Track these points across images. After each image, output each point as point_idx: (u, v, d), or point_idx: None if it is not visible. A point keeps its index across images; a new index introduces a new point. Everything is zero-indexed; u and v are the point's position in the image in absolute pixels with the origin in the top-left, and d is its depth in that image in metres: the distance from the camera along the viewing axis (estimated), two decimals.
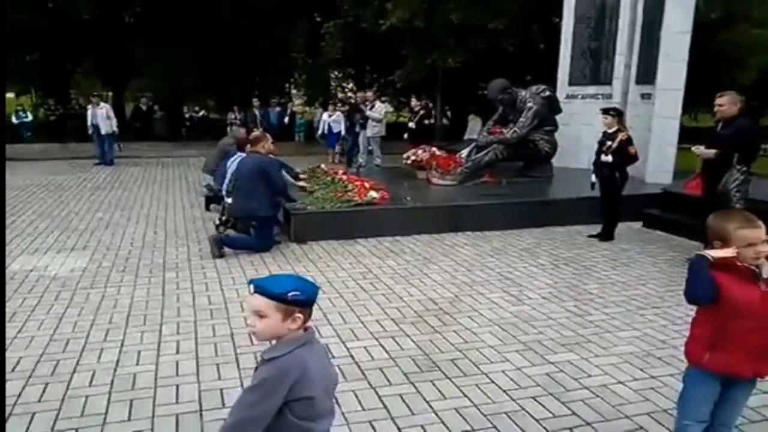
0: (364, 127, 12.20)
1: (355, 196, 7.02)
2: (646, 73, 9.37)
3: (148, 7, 19.80)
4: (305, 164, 9.58)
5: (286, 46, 21.63)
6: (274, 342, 1.73)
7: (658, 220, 7.36)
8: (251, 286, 1.69)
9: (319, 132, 14.81)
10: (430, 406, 3.09)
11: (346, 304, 4.61)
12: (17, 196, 9.19)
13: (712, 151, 5.49)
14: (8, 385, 3.15)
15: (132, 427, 2.88)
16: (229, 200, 6.36)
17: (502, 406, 3.10)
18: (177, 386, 3.27)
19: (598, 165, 6.62)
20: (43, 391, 3.20)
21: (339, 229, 6.66)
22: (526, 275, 5.43)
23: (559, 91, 10.40)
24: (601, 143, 6.56)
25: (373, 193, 7.05)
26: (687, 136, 9.32)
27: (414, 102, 13.60)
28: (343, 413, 2.95)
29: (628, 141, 6.37)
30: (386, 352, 3.75)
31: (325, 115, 14.69)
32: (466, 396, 3.20)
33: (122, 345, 3.82)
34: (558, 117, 9.58)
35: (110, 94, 23.32)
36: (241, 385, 3.20)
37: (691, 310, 2.43)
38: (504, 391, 3.25)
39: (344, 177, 7.94)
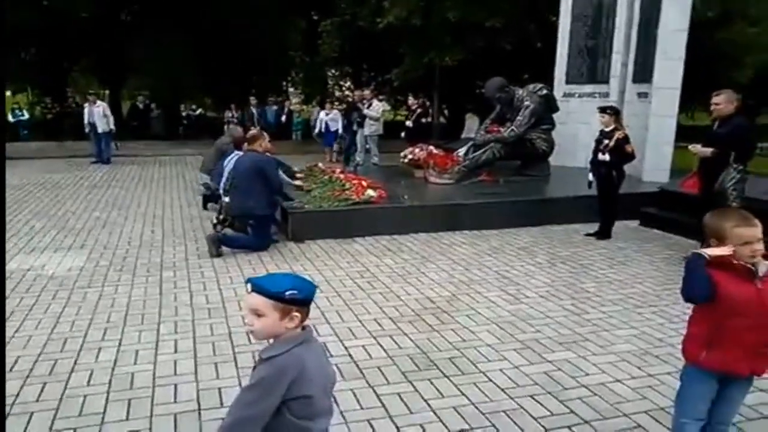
0: (361, 125, 12.17)
1: (353, 194, 7.01)
2: (643, 71, 9.38)
3: (145, 6, 19.72)
4: (302, 163, 9.56)
5: (284, 44, 21.58)
6: (271, 341, 1.73)
7: (655, 219, 7.38)
8: (249, 285, 1.69)
9: (317, 130, 14.73)
10: (429, 405, 3.09)
11: (343, 303, 4.61)
12: (14, 195, 9.16)
13: (708, 150, 5.50)
14: (7, 385, 3.14)
15: (130, 426, 2.88)
16: (227, 199, 6.37)
17: (500, 405, 3.10)
18: (175, 385, 3.27)
19: (595, 163, 6.62)
20: (42, 391, 3.20)
21: (336, 227, 6.66)
22: (523, 274, 5.43)
23: (556, 90, 10.40)
24: (599, 142, 6.57)
25: (370, 192, 7.05)
26: (684, 134, 9.35)
27: (411, 100, 13.63)
28: (341, 412, 2.95)
29: (625, 139, 6.38)
30: (384, 350, 3.76)
31: (322, 114, 14.60)
32: (464, 394, 3.20)
33: (120, 344, 3.81)
34: (555, 115, 9.59)
35: (107, 92, 23.25)
36: (239, 384, 3.20)
37: (688, 309, 2.44)
38: (502, 390, 3.26)
39: (341, 176, 7.93)
